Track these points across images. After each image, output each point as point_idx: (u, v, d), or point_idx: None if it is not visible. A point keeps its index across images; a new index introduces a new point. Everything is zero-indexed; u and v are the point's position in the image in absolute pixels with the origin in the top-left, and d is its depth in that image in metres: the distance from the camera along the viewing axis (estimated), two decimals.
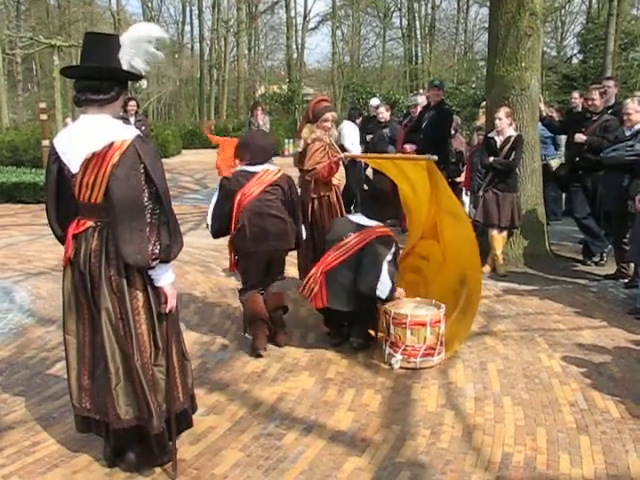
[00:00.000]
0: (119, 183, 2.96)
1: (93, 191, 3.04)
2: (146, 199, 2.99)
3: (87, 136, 3.04)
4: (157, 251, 3.02)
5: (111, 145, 2.98)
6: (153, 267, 3.04)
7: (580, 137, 7.46)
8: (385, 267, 4.82)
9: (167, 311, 3.19)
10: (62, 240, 3.30)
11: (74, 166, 3.07)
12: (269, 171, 5.03)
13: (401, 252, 5.46)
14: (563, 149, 9.56)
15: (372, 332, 5.21)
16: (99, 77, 3.09)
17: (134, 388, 3.13)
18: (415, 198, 5.41)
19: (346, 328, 5.23)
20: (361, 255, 4.90)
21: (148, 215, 3.00)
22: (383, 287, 4.81)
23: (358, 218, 5.18)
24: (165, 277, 3.15)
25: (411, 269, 5.55)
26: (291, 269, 6.81)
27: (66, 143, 3.12)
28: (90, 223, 3.12)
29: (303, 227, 5.37)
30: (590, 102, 7.61)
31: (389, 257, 4.88)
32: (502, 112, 7.24)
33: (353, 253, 4.92)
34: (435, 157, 5.04)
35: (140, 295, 3.13)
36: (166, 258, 3.07)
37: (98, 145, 2.99)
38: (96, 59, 3.09)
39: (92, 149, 2.99)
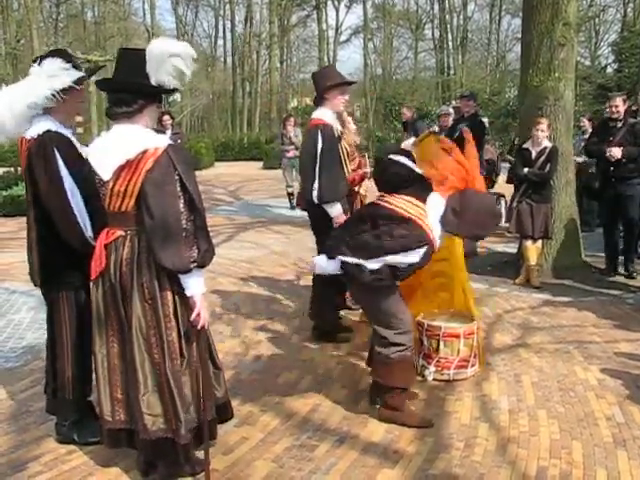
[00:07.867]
0: (153, 189, 2.99)
1: (124, 199, 3.07)
2: (182, 205, 3.03)
3: (119, 145, 3.09)
4: (195, 254, 3.04)
5: (144, 152, 3.02)
6: (190, 271, 3.06)
7: (615, 153, 7.29)
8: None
9: (200, 326, 3.18)
10: (88, 250, 3.32)
11: (106, 174, 3.11)
12: None
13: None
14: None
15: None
16: (122, 90, 3.16)
17: (162, 398, 3.14)
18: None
19: None
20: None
21: (184, 220, 3.02)
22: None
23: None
24: (197, 285, 3.14)
25: (440, 288, 5.37)
26: None
27: (99, 153, 3.18)
28: (120, 232, 3.14)
29: None
30: (614, 109, 7.50)
31: (319, 145, 5.14)
32: (545, 124, 7.15)
33: None
34: (442, 136, 5.03)
35: (170, 302, 3.14)
36: (203, 263, 3.09)
37: (131, 153, 3.03)
38: (122, 73, 3.16)
39: (125, 157, 3.03)
